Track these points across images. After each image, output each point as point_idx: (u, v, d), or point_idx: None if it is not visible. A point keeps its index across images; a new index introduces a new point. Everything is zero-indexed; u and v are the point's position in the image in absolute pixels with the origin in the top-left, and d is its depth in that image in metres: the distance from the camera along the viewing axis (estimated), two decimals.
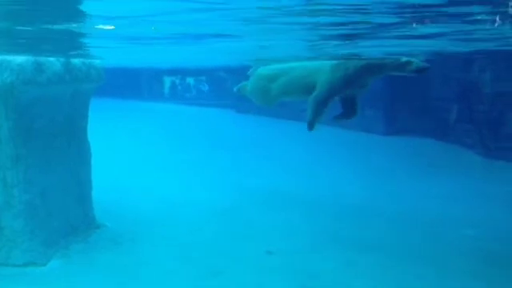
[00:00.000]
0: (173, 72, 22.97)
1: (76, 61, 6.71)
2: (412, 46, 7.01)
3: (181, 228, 7.45)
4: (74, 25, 5.24)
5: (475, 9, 4.84)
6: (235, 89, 8.74)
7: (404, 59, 6.82)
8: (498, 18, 5.16)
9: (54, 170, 6.52)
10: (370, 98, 10.13)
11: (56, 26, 5.23)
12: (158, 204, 8.59)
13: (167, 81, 23.66)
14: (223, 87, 20.42)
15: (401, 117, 15.09)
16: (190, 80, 23.23)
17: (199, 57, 11.27)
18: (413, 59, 6.80)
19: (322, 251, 6.73)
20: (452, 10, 4.77)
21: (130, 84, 23.32)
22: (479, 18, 5.15)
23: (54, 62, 6.24)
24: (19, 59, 5.90)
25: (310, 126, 7.58)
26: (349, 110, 7.65)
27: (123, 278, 5.80)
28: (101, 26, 5.46)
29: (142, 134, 15.36)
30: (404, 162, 12.49)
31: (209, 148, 13.64)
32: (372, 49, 7.22)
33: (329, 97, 7.34)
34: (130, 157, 12.18)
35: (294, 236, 7.25)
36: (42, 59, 6.10)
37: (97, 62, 7.23)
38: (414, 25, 5.44)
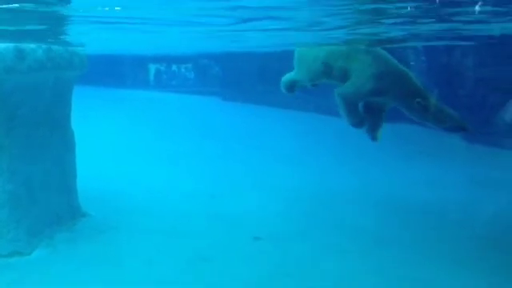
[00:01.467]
0: (158, 59, 22.75)
1: (58, 48, 6.57)
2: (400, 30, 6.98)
3: (167, 216, 7.41)
4: (56, 7, 5.08)
5: None
6: (283, 90, 7.26)
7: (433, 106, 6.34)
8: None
9: (37, 159, 6.43)
10: None
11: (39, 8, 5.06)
12: (144, 193, 8.53)
13: (152, 68, 23.45)
14: (209, 74, 20.31)
15: None
16: (175, 67, 23.04)
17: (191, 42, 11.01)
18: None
19: (308, 237, 6.75)
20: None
21: (114, 71, 23.05)
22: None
23: (35, 49, 6.10)
24: None
25: (354, 126, 6.89)
26: (374, 120, 7.00)
27: (108, 267, 5.76)
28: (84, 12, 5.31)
29: (126, 122, 15.22)
30: (390, 148, 12.52)
31: (194, 136, 13.57)
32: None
33: (354, 98, 6.58)
34: (116, 146, 12.07)
35: (281, 222, 7.26)
36: (22, 46, 5.95)
37: (79, 49, 7.09)
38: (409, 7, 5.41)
